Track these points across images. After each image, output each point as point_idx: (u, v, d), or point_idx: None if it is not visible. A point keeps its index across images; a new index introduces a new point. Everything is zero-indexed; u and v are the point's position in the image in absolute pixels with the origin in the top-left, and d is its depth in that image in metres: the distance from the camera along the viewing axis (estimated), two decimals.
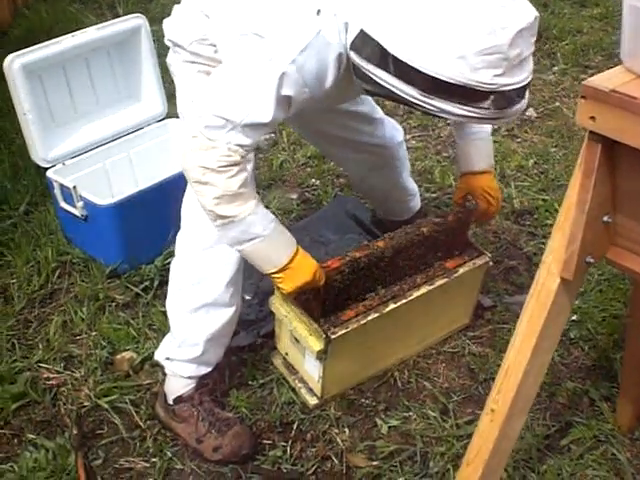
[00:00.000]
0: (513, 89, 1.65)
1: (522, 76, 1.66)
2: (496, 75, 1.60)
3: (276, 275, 1.99)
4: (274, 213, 3.03)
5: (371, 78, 1.73)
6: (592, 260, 1.44)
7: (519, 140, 3.73)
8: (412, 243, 2.29)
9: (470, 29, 1.57)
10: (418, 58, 1.61)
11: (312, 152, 3.55)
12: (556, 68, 4.44)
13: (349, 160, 2.65)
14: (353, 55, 1.75)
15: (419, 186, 2.87)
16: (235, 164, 1.82)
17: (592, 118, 1.25)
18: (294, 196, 3.31)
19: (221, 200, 1.85)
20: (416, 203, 2.83)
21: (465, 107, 1.65)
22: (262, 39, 1.83)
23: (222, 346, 2.28)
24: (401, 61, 1.63)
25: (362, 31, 1.70)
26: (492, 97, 1.64)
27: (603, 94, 1.22)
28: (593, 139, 1.28)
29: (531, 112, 3.95)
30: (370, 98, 2.53)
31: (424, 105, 1.67)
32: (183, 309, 2.20)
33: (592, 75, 3.85)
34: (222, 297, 2.17)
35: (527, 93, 1.73)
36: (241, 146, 1.81)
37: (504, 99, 1.66)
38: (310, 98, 1.85)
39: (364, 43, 1.70)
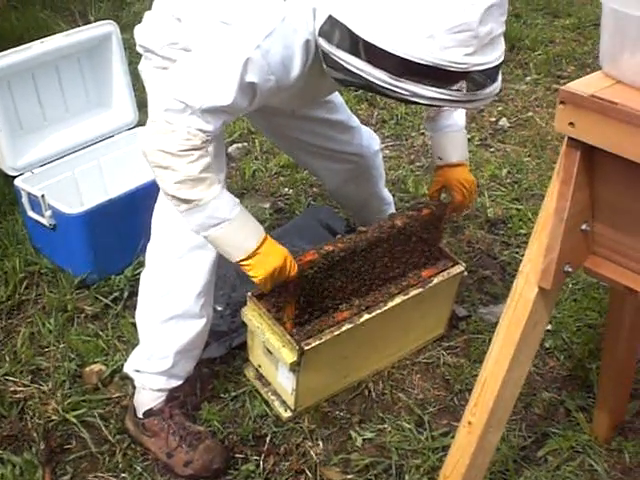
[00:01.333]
0: (485, 69, 1.62)
1: (494, 55, 1.63)
2: (467, 54, 1.57)
3: (245, 262, 1.92)
4: None
5: (341, 65, 1.70)
6: (570, 269, 1.42)
7: (492, 150, 3.73)
8: (387, 236, 2.24)
9: (438, 7, 1.54)
10: (387, 40, 1.58)
11: (285, 161, 3.52)
12: (529, 78, 4.46)
13: (325, 170, 2.62)
14: (322, 42, 1.72)
15: (392, 195, 2.84)
16: (195, 148, 1.77)
17: (571, 124, 1.23)
18: (267, 205, 3.27)
19: (183, 185, 1.80)
20: (392, 211, 2.78)
21: (437, 89, 1.62)
22: (228, 26, 1.79)
23: (193, 359, 2.23)
24: (370, 44, 1.60)
25: (330, 16, 1.68)
26: (464, 78, 1.62)
27: (582, 99, 1.20)
28: (572, 145, 1.26)
29: (504, 122, 3.97)
30: (345, 106, 2.51)
31: (396, 90, 1.63)
32: (152, 320, 2.16)
33: (565, 85, 3.89)
34: (192, 308, 2.13)
35: (500, 76, 1.71)
36: (201, 131, 1.77)
37: (476, 80, 1.64)
38: (277, 88, 1.81)
39: (332, 28, 1.68)
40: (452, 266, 2.43)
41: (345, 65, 1.68)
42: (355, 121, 2.55)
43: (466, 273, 2.50)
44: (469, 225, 3.14)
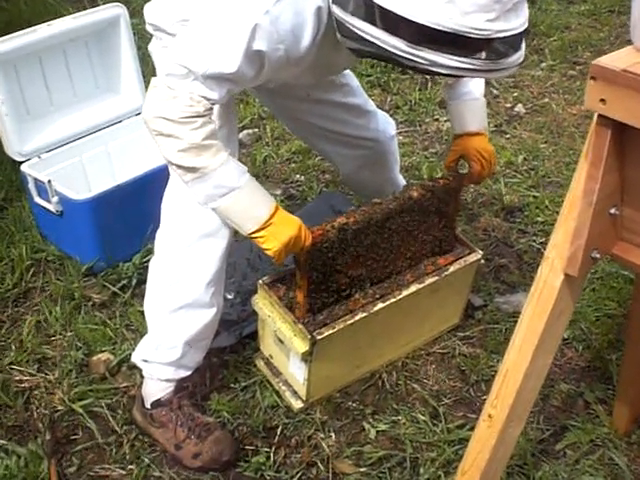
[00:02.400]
0: (508, 36, 1.54)
1: (518, 22, 1.55)
2: (488, 20, 1.49)
3: (258, 234, 1.86)
4: None
5: (356, 34, 1.61)
6: (598, 255, 1.35)
7: (508, 136, 3.65)
8: (402, 208, 2.15)
9: None
10: (404, 5, 1.50)
11: (296, 147, 3.46)
12: (544, 64, 4.38)
13: (340, 155, 2.54)
14: (336, 9, 1.64)
15: (406, 182, 2.78)
16: (198, 115, 1.71)
17: (602, 101, 1.16)
18: (278, 192, 3.21)
19: (186, 153, 1.74)
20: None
21: (457, 58, 1.54)
22: None
23: (202, 349, 2.18)
24: (387, 10, 1.52)
25: None
26: (485, 46, 1.54)
27: (614, 74, 1.13)
28: (602, 124, 1.19)
29: (520, 108, 3.89)
30: (362, 90, 2.45)
31: (413, 59, 1.55)
32: (161, 310, 2.11)
33: (581, 72, 3.82)
34: (202, 297, 2.07)
35: (523, 44, 1.63)
36: (205, 98, 1.71)
37: (499, 48, 1.56)
38: (286, 59, 1.74)
39: None
40: (469, 254, 2.36)
41: (360, 34, 1.60)
42: (371, 105, 2.48)
43: (483, 261, 2.43)
44: (485, 213, 3.08)
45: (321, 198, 3.06)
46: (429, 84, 4.00)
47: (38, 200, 2.76)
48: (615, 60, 1.16)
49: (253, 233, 1.86)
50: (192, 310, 2.08)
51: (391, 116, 3.38)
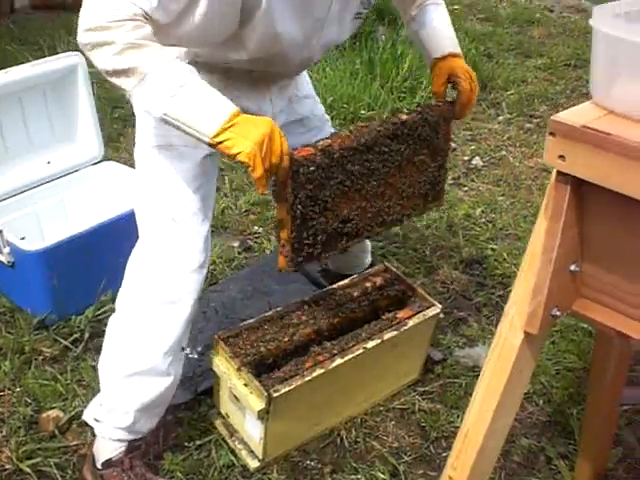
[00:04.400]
0: None
1: None
2: None
3: (223, 137, 1.62)
4: (214, 263, 2.96)
5: None
6: (558, 313, 1.33)
7: (466, 189, 3.68)
8: (391, 133, 1.98)
9: None
10: None
11: (255, 199, 3.45)
12: (501, 117, 4.46)
13: None
14: None
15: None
16: (128, 19, 1.58)
17: (561, 157, 1.15)
18: (236, 244, 3.19)
19: (122, 55, 1.59)
20: (369, 259, 2.75)
21: None
22: None
23: (156, 416, 2.12)
24: None
25: None
26: None
27: (574, 130, 1.12)
28: (561, 180, 1.18)
29: (477, 161, 3.94)
30: None
31: None
32: (116, 373, 2.04)
33: (537, 125, 3.87)
34: (159, 366, 2.01)
35: None
36: (133, 3, 1.59)
37: None
38: None
39: None
40: (428, 308, 2.34)
41: None
42: None
43: (442, 315, 2.41)
44: (444, 265, 3.07)
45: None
46: None
47: None
48: (574, 116, 1.16)
49: (217, 136, 1.62)
50: (147, 377, 2.01)
51: None
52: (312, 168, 1.80)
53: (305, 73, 2.30)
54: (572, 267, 1.30)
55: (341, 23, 1.95)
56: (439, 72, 2.19)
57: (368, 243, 2.71)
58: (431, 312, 2.34)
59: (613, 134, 1.09)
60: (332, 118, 2.92)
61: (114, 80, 1.65)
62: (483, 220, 3.41)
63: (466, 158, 3.96)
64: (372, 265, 2.68)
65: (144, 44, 1.60)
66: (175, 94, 1.61)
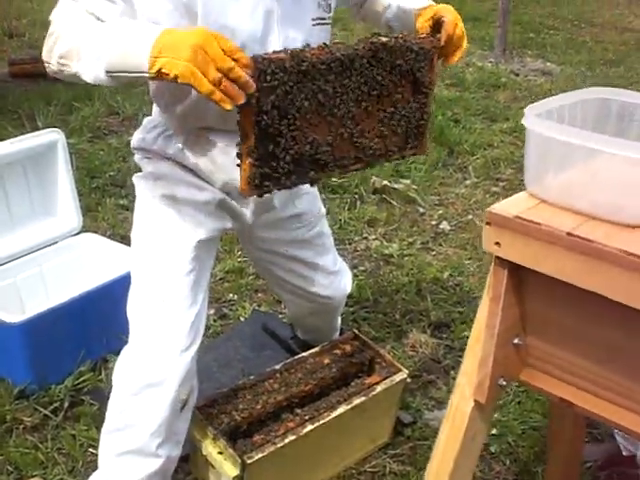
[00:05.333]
0: None
1: None
2: None
3: (159, 65, 1.50)
4: None
5: None
6: (505, 383, 1.44)
7: (434, 253, 3.80)
8: (371, 55, 1.79)
9: None
10: None
11: (230, 267, 3.53)
12: (468, 182, 4.59)
13: (295, 304, 2.61)
14: None
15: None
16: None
17: (497, 244, 1.27)
18: (211, 312, 3.25)
19: (59, 43, 1.68)
20: (337, 334, 2.79)
21: None
22: None
23: None
24: None
25: None
26: None
27: (507, 220, 1.25)
28: (499, 264, 1.30)
29: (445, 225, 4.06)
30: (333, 247, 2.52)
31: None
32: (109, 450, 2.05)
33: (504, 188, 4.01)
34: (147, 447, 2.00)
35: None
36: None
37: None
38: None
39: None
40: (395, 373, 2.44)
41: None
42: (337, 263, 2.53)
43: (409, 379, 2.50)
44: (413, 329, 3.17)
45: (254, 318, 3.11)
46: (357, 203, 4.16)
47: None
48: (509, 206, 1.29)
49: (152, 68, 1.51)
50: (137, 457, 2.01)
51: None
52: (280, 73, 1.61)
53: None
54: (516, 340, 1.42)
55: (300, 24, 1.92)
56: (423, 13, 2.02)
57: (338, 321, 2.78)
58: (398, 377, 2.43)
59: (542, 224, 1.22)
60: None
61: (66, 73, 1.68)
62: (451, 283, 3.52)
63: (434, 222, 4.09)
64: (342, 331, 2.78)
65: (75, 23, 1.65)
66: (102, 50, 1.59)
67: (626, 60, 7.55)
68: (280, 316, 3.13)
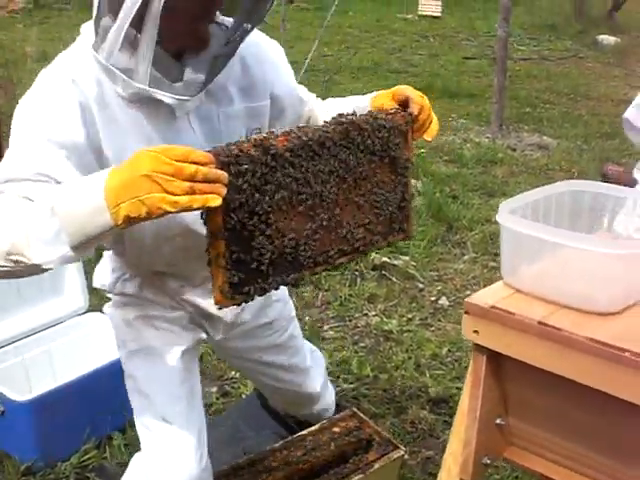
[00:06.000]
0: None
1: None
2: None
3: (123, 214, 1.38)
4: None
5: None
6: (489, 461, 1.51)
7: (433, 329, 3.86)
8: (340, 135, 1.69)
9: None
10: None
11: None
12: (466, 257, 4.66)
13: (271, 398, 2.71)
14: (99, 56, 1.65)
15: (336, 377, 2.91)
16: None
17: (476, 332, 1.37)
18: (214, 389, 3.31)
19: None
20: (330, 413, 2.75)
21: None
22: None
23: None
24: None
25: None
26: None
27: (484, 310, 1.34)
28: (478, 351, 1.39)
29: (444, 301, 4.12)
30: (304, 346, 2.54)
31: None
32: None
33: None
34: None
35: None
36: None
37: None
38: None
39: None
40: (392, 450, 2.49)
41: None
42: (308, 360, 2.54)
43: (407, 456, 2.55)
44: (412, 405, 3.21)
45: (254, 395, 3.14)
46: (358, 280, 4.26)
47: None
48: (486, 296, 1.39)
49: (118, 217, 1.39)
50: None
51: (323, 311, 3.56)
52: (245, 165, 1.50)
53: None
54: (498, 421, 1.50)
55: None
56: (378, 97, 1.94)
57: (332, 401, 2.76)
58: (395, 454, 2.48)
59: (516, 313, 1.31)
60: None
61: (21, 267, 1.50)
62: (449, 359, 3.57)
63: (433, 298, 4.16)
64: (341, 408, 2.82)
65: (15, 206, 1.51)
66: (56, 225, 1.43)
67: (622, 132, 7.63)
68: None
